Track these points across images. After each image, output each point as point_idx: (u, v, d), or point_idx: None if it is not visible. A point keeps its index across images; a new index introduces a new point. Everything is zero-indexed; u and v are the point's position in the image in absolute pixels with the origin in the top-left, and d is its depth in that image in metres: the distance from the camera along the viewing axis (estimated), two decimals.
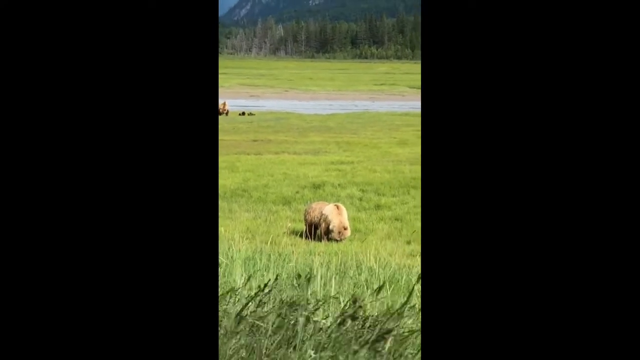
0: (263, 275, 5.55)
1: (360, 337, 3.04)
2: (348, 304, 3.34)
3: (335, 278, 5.59)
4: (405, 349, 3.03)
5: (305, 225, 15.11)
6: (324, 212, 14.78)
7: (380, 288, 3.77)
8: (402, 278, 6.62)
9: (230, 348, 2.99)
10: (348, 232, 14.65)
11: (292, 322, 3.13)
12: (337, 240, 14.28)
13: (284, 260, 7.06)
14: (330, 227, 14.47)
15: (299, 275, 4.59)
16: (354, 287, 5.41)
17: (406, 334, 3.09)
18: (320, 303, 3.43)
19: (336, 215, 14.66)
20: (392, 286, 5.56)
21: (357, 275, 6.54)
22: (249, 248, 8.76)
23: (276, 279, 3.77)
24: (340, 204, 15.44)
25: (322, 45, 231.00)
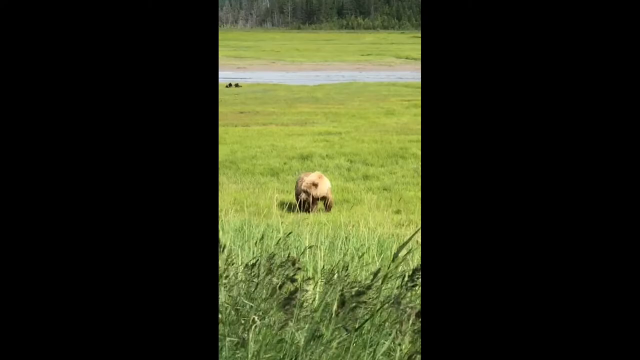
0: (252, 247, 5.54)
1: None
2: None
3: (323, 249, 5.58)
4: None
5: (297, 196, 15.42)
6: (305, 180, 15.29)
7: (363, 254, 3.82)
8: (391, 247, 6.63)
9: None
10: (315, 191, 15.02)
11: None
12: (304, 200, 14.69)
13: (273, 231, 7.04)
14: (303, 186, 14.96)
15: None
16: (344, 256, 5.40)
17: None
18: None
19: (314, 180, 15.14)
20: (382, 255, 5.57)
21: (345, 245, 6.54)
22: (237, 220, 8.74)
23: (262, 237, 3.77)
24: (323, 175, 15.78)
25: (308, 17, 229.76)
